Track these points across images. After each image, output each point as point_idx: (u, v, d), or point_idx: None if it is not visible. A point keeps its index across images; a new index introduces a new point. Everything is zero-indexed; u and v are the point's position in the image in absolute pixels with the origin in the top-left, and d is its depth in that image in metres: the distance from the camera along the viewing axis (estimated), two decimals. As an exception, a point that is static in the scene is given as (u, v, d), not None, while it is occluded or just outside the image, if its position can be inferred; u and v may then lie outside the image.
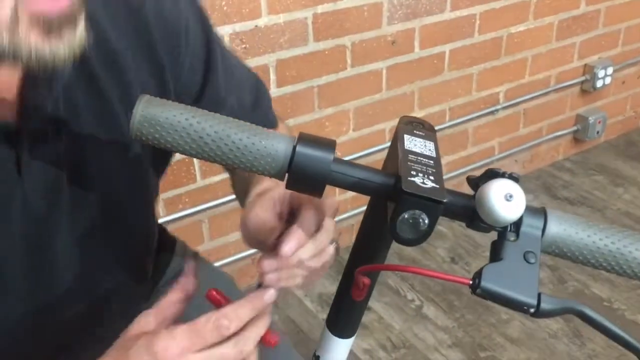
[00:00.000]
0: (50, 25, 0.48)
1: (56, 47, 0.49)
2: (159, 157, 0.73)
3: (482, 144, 2.47)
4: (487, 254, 0.52)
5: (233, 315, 0.54)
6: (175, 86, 0.70)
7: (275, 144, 0.50)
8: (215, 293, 0.58)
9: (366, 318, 1.94)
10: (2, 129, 0.55)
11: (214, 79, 0.73)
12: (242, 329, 0.54)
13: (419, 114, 2.20)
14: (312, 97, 1.94)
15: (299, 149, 0.50)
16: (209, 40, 0.73)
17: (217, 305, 0.57)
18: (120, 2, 0.64)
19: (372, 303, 2.00)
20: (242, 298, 0.56)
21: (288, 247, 0.53)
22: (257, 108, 0.80)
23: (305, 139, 0.51)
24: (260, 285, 0.60)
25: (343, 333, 0.69)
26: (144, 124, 0.49)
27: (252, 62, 1.76)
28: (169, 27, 0.67)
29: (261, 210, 0.59)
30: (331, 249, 0.58)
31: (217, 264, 1.94)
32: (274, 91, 1.84)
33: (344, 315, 0.68)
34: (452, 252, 2.22)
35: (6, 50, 0.47)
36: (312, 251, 0.56)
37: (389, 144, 0.58)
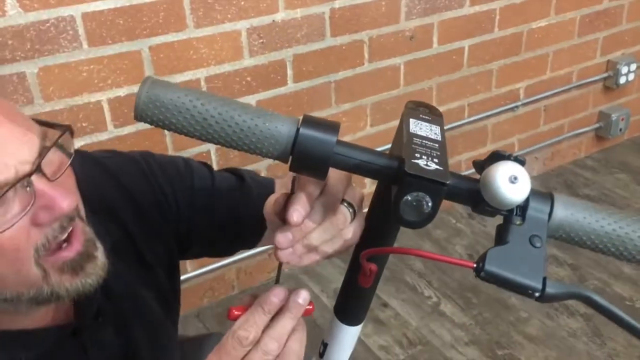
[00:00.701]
0: (74, 267, 0.59)
1: (84, 281, 0.60)
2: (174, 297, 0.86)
3: (501, 141, 2.44)
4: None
5: (246, 324, 0.57)
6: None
7: (278, 126, 0.50)
8: (235, 310, 0.59)
9: (383, 314, 1.94)
10: (70, 327, 0.70)
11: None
12: (269, 327, 0.57)
13: (437, 110, 2.18)
14: (329, 92, 1.94)
15: (302, 130, 0.50)
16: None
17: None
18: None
19: (388, 299, 1.99)
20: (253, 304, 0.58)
21: (296, 213, 0.53)
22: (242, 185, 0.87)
23: (309, 121, 0.51)
24: (279, 277, 0.60)
25: (351, 320, 0.68)
26: (149, 105, 0.49)
27: (269, 57, 1.77)
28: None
29: (275, 195, 0.60)
30: (346, 214, 0.57)
31: (235, 259, 1.95)
32: (290, 86, 1.85)
33: (351, 302, 0.68)
34: (470, 249, 2.21)
35: (50, 297, 0.59)
36: (320, 211, 0.55)
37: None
